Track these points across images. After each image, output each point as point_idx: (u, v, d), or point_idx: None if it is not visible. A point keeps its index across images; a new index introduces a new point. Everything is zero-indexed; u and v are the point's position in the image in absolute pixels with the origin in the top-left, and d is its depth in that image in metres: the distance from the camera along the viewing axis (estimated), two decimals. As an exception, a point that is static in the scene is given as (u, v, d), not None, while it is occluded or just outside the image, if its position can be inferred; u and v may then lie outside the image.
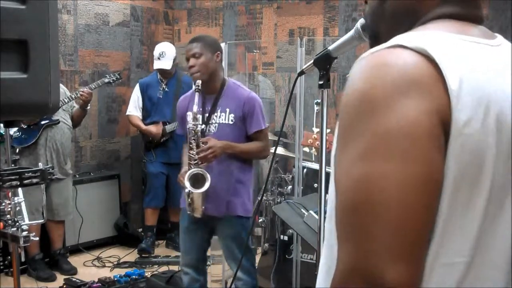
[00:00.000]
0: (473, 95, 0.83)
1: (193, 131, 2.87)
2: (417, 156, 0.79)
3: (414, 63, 0.82)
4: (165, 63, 4.85)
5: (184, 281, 3.19)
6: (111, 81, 4.70)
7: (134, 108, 4.98)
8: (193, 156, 2.88)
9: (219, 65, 3.05)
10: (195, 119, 2.87)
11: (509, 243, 0.89)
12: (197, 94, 2.88)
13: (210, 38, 3.16)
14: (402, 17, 1.00)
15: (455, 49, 0.87)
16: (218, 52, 3.03)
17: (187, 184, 2.85)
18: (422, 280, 0.82)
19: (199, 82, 2.91)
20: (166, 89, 4.92)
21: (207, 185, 2.85)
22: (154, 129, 4.84)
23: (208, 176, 2.85)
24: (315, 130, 3.44)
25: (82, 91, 4.32)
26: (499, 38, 0.97)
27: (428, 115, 0.80)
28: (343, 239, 0.83)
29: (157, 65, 4.88)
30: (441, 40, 0.88)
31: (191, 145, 2.88)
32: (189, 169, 2.90)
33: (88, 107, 4.50)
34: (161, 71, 4.92)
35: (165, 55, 4.88)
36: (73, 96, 4.32)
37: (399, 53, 0.84)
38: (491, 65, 0.88)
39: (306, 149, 3.60)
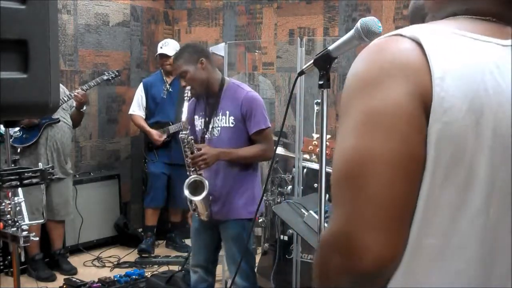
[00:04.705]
0: (459, 87, 0.85)
1: (185, 140, 2.87)
2: (397, 134, 0.85)
3: (405, 49, 0.88)
4: (167, 50, 4.85)
5: (192, 279, 3.19)
6: (110, 78, 4.69)
7: (138, 107, 4.98)
8: (188, 163, 2.91)
9: (208, 69, 2.96)
10: (185, 128, 2.89)
11: (488, 236, 0.89)
12: (186, 103, 2.87)
13: (188, 49, 3.02)
14: (420, 16, 1.08)
15: (449, 42, 0.90)
16: (201, 59, 2.94)
17: (186, 192, 2.87)
18: (402, 254, 0.87)
19: (187, 89, 2.90)
20: (170, 89, 4.92)
21: (204, 193, 2.85)
22: (156, 135, 4.82)
23: (206, 183, 2.86)
24: (315, 136, 3.43)
25: (76, 93, 4.29)
26: None
27: (411, 97, 0.85)
28: (333, 207, 0.90)
29: (160, 51, 4.89)
30: (437, 32, 0.91)
31: (186, 153, 2.89)
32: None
33: (84, 109, 4.46)
34: (166, 70, 4.92)
35: (167, 44, 4.93)
36: (72, 95, 4.30)
37: (395, 40, 0.90)
38: (491, 63, 0.89)
39: (307, 156, 3.60)
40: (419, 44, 0.88)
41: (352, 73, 0.92)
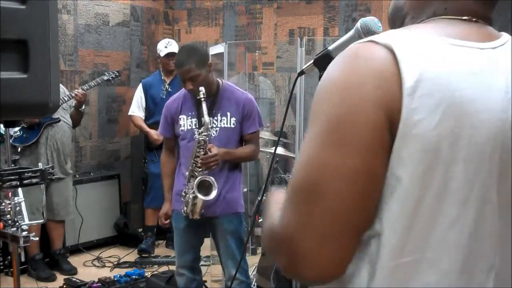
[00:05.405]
0: (431, 96, 0.82)
1: (203, 141, 2.86)
2: (358, 149, 0.82)
3: (377, 57, 0.85)
4: (173, 48, 4.86)
5: (180, 283, 3.18)
6: (110, 78, 4.69)
7: (137, 108, 4.97)
8: (197, 163, 2.89)
9: (212, 71, 3.01)
10: (207, 129, 2.86)
11: (463, 247, 0.87)
12: (204, 103, 2.82)
13: (197, 52, 2.97)
14: (400, 17, 1.02)
15: (424, 49, 0.86)
16: (209, 62, 2.97)
17: (196, 191, 2.87)
18: (346, 268, 0.86)
19: (202, 89, 2.83)
20: (169, 89, 4.91)
21: (214, 192, 2.88)
22: (155, 135, 4.78)
23: (216, 183, 2.88)
24: None
25: (76, 92, 4.29)
26: (501, 39, 0.94)
27: (377, 110, 0.82)
28: (287, 206, 0.88)
29: (167, 50, 4.86)
30: (412, 38, 0.88)
31: (198, 153, 2.89)
32: (189, 175, 2.93)
33: (83, 108, 4.46)
34: (167, 69, 4.92)
35: (172, 43, 4.94)
36: (72, 95, 4.30)
37: (368, 47, 0.88)
38: (468, 69, 0.86)
39: None
40: (392, 52, 0.84)
41: (324, 78, 0.90)
